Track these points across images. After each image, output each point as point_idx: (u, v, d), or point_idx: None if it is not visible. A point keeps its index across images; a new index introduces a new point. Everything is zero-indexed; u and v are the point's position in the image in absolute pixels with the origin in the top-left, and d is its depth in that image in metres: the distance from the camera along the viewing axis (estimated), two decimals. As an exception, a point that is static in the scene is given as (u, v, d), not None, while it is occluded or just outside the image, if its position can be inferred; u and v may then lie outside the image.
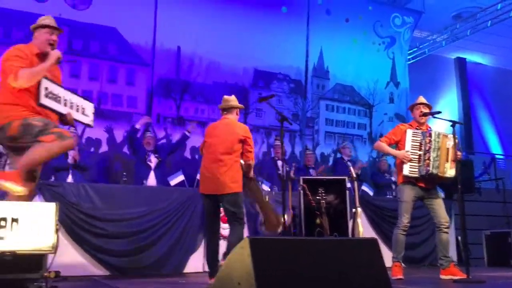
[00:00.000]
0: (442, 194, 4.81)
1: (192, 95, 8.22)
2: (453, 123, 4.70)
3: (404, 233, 4.55)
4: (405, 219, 4.53)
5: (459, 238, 7.22)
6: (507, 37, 11.79)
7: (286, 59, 9.07)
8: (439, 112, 4.81)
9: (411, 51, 11.37)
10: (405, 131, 4.65)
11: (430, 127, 4.81)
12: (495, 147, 13.48)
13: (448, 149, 4.58)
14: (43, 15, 3.75)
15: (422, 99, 4.86)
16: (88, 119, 3.61)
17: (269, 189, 6.48)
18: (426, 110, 4.75)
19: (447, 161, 4.57)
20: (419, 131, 4.64)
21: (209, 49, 8.27)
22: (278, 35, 8.88)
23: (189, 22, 8.08)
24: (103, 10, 7.52)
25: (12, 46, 3.37)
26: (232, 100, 4.48)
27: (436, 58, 12.66)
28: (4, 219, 2.70)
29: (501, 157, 12.69)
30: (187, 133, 6.74)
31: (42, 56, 3.37)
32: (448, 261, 4.53)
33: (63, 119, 3.45)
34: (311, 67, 9.48)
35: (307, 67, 9.42)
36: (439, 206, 4.58)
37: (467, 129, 12.69)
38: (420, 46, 11.50)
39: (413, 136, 4.60)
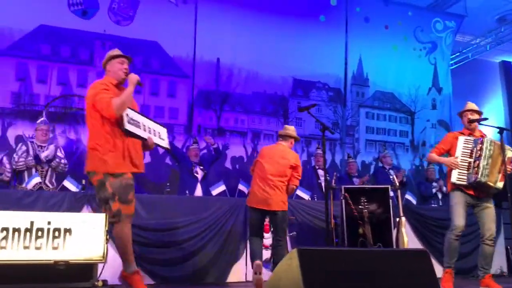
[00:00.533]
0: (492, 203, 4.64)
1: (232, 106, 8.31)
2: (501, 130, 4.57)
3: (457, 238, 4.42)
4: (458, 222, 4.39)
5: (509, 248, 6.97)
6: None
7: (325, 68, 9.06)
8: (485, 119, 4.68)
9: (453, 55, 11.12)
10: (456, 138, 4.55)
11: (484, 135, 4.68)
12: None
13: (501, 159, 4.44)
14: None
15: (470, 105, 4.74)
16: (165, 142, 3.74)
17: (309, 198, 6.45)
18: (474, 117, 4.63)
19: (498, 172, 4.43)
20: (472, 138, 4.53)
21: (247, 60, 8.36)
22: (317, 44, 8.89)
23: (228, 34, 8.21)
24: (145, 25, 7.75)
25: (91, 85, 3.55)
26: (291, 130, 4.99)
27: (480, 62, 12.30)
28: (58, 230, 2.80)
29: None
30: (211, 145, 6.82)
31: (120, 86, 3.55)
32: (485, 272, 4.42)
33: (145, 144, 3.57)
34: (350, 75, 9.42)
35: (346, 75, 9.37)
36: (487, 217, 4.44)
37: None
38: (463, 51, 11.24)
39: (464, 143, 4.50)
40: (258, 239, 4.70)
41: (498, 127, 4.60)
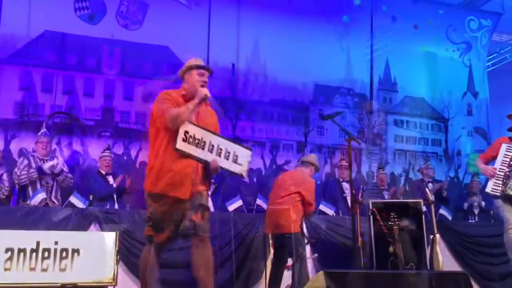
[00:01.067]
0: None
1: (248, 114, 8.34)
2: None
3: None
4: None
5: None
6: None
7: (349, 72, 9.05)
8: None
9: (490, 57, 10.98)
10: (501, 144, 4.50)
11: None
12: None
13: None
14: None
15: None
16: (240, 168, 3.47)
17: (334, 214, 6.40)
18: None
19: None
20: None
21: (265, 65, 8.41)
22: (339, 46, 8.88)
23: (243, 37, 8.27)
24: (155, 29, 7.85)
25: (162, 92, 3.48)
26: (313, 157, 5.53)
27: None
28: (66, 250, 2.85)
29: None
30: None
31: (190, 98, 3.38)
32: None
33: (207, 167, 3.36)
34: (377, 79, 9.39)
35: (372, 79, 9.34)
36: None
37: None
38: (501, 51, 11.10)
39: (506, 151, 4.43)
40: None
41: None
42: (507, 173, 4.35)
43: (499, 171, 4.39)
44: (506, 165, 4.39)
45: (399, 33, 9.44)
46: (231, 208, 6.31)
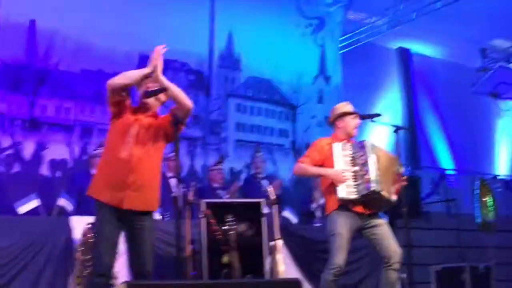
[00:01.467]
0: (384, 220, 4.94)
1: (53, 88, 7.95)
2: (397, 129, 4.90)
3: (337, 278, 4.56)
4: (339, 259, 4.54)
5: (403, 275, 7.52)
6: (459, 24, 12.63)
7: (184, 43, 9.00)
8: (378, 115, 4.99)
9: (344, 37, 11.74)
10: (330, 145, 4.75)
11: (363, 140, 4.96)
12: (445, 160, 14.37)
13: (393, 170, 4.75)
14: None
15: (350, 105, 5.00)
16: None
17: (160, 217, 6.33)
18: (358, 120, 4.91)
19: (391, 182, 4.73)
20: (348, 144, 4.76)
21: (77, 26, 8.03)
22: (173, 11, 8.81)
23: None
24: None
25: None
26: None
27: (375, 47, 13.21)
28: None
29: (453, 172, 13.54)
30: None
31: None
32: None
33: None
34: (217, 54, 9.50)
35: (212, 54, 9.43)
36: (386, 235, 4.67)
37: (412, 137, 13.39)
38: (356, 31, 11.92)
39: (343, 150, 4.70)
40: None
41: (394, 125, 4.92)
42: (358, 171, 4.62)
43: (347, 173, 4.63)
44: (351, 164, 4.67)
45: (245, 1, 9.64)
46: (22, 210, 5.98)
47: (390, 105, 13.35)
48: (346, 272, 5.47)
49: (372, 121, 5.00)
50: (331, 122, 4.96)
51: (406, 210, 4.82)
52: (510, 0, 11.71)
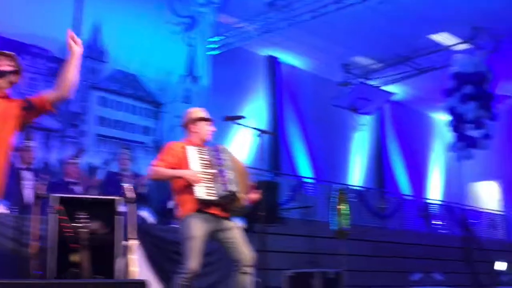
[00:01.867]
0: (237, 224, 4.95)
1: None
2: (261, 133, 4.94)
3: (189, 282, 4.51)
4: (193, 264, 4.49)
5: (258, 279, 7.62)
6: (326, 39, 13.14)
7: (47, 29, 8.56)
8: (242, 117, 5.03)
9: (215, 39, 11.75)
10: (184, 148, 4.69)
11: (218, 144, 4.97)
12: (304, 168, 14.85)
13: (245, 176, 4.81)
14: None
15: (205, 111, 4.98)
16: None
17: (7, 211, 6.02)
18: (213, 127, 4.90)
19: (245, 188, 4.74)
20: (203, 148, 4.77)
21: None
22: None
23: None
24: None
25: None
26: None
27: (246, 53, 13.40)
28: None
29: (310, 181, 14.00)
30: None
31: None
32: None
33: None
34: (82, 43, 9.10)
35: (76, 42, 9.02)
36: (238, 239, 4.66)
37: (274, 144, 13.69)
38: (227, 35, 11.98)
39: (198, 154, 4.67)
40: None
41: (258, 129, 4.96)
42: (216, 174, 4.61)
43: (202, 174, 4.60)
44: (209, 166, 4.64)
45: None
46: None
47: (256, 110, 13.58)
48: (200, 275, 5.43)
49: (236, 123, 5.00)
50: (184, 126, 4.87)
51: (263, 215, 4.86)
52: (372, 21, 12.41)
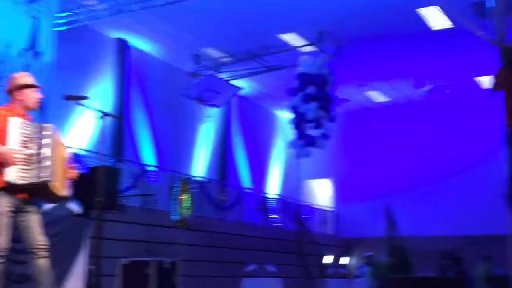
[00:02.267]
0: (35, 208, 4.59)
1: None
2: (105, 115, 4.74)
3: (2, 260, 4.23)
4: (2, 240, 4.22)
5: (92, 268, 7.32)
6: (178, 27, 13.00)
7: None
8: (84, 98, 4.79)
9: (62, 14, 11.12)
10: (6, 118, 4.25)
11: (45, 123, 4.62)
12: (148, 156, 14.59)
13: (65, 159, 4.55)
14: None
15: (31, 77, 4.59)
16: None
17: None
18: (39, 94, 4.55)
19: (64, 175, 4.51)
20: (28, 121, 4.39)
21: None
22: None
23: None
24: None
25: None
26: None
27: (94, 33, 12.87)
28: None
29: (154, 169, 13.78)
30: None
31: None
32: None
33: None
34: None
35: None
36: (34, 224, 4.43)
37: (118, 129, 13.30)
38: (76, 12, 11.37)
39: (21, 129, 4.27)
40: None
41: (102, 112, 4.75)
42: (33, 155, 4.24)
43: (20, 154, 4.21)
44: (25, 145, 4.25)
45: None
46: None
47: (101, 93, 13.08)
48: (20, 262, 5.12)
49: (79, 103, 4.70)
50: (8, 92, 4.43)
51: (101, 201, 4.66)
52: (225, 14, 12.50)
